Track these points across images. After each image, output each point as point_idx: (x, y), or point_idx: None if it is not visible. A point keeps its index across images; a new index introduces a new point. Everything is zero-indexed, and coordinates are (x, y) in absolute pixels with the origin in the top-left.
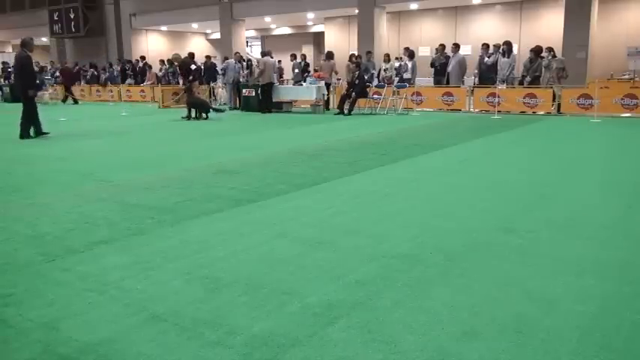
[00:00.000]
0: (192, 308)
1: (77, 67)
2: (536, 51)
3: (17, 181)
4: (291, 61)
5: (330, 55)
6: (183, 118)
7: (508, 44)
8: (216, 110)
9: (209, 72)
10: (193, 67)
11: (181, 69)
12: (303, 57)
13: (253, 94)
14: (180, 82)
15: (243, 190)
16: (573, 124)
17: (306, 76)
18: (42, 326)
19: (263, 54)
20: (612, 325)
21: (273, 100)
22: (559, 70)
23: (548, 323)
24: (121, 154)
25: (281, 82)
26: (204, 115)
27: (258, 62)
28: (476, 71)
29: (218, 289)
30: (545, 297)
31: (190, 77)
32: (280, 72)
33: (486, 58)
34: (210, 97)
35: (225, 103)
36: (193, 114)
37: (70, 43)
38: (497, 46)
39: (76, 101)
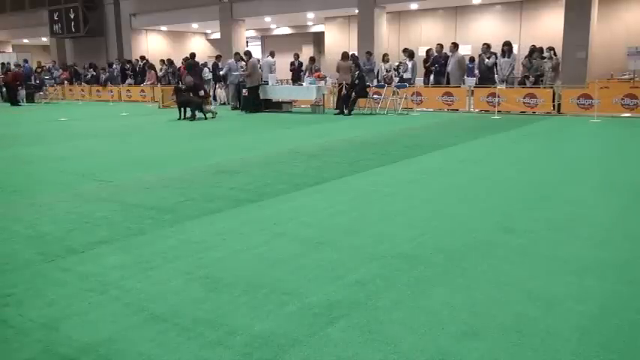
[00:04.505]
0: (192, 308)
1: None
2: (538, 50)
3: (17, 181)
4: (310, 63)
5: (346, 56)
6: (183, 118)
7: (508, 44)
8: (202, 111)
9: (215, 72)
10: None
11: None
12: (296, 56)
13: None
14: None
15: (243, 190)
16: (573, 124)
17: (304, 75)
18: (42, 326)
19: (247, 55)
20: (612, 325)
21: (273, 101)
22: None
23: (548, 323)
24: (121, 154)
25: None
26: (197, 114)
27: (246, 64)
28: (476, 71)
29: (218, 289)
30: (545, 297)
31: (181, 86)
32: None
33: (486, 60)
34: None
35: (224, 103)
36: (184, 114)
37: (70, 43)
38: (488, 46)
39: (15, 104)
